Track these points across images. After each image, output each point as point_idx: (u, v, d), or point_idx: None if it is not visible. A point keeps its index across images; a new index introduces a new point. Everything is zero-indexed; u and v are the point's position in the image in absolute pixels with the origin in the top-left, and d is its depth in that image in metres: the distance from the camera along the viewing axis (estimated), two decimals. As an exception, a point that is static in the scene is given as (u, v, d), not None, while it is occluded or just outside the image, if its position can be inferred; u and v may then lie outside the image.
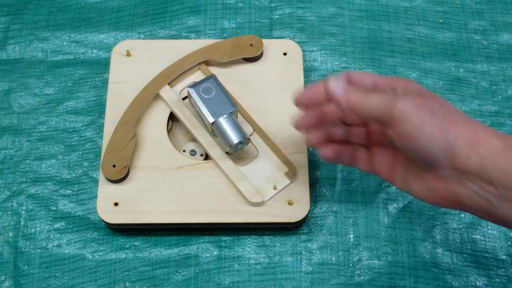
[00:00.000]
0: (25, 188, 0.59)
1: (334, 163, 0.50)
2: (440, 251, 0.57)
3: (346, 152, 0.49)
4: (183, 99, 0.60)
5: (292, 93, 0.51)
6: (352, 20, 0.68)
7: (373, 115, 0.42)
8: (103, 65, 0.65)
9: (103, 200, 0.55)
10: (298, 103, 0.49)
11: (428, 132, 0.40)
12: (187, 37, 0.66)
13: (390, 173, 0.47)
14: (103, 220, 0.55)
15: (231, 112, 0.55)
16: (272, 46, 0.62)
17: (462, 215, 0.59)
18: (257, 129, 0.58)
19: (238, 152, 0.57)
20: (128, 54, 0.61)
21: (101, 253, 0.57)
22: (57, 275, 0.56)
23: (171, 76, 0.59)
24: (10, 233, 0.57)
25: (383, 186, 0.60)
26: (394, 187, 0.60)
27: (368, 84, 0.46)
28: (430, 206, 0.59)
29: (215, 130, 0.56)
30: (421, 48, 0.66)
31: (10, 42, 0.66)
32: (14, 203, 0.59)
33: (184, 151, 0.59)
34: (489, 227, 0.58)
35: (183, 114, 0.58)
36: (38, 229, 0.58)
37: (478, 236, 0.58)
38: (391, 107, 0.41)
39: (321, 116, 0.49)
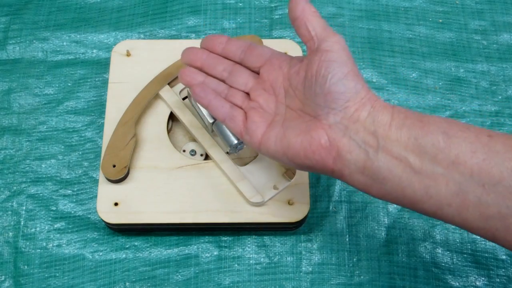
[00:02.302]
0: (25, 188, 0.59)
1: (206, 108, 0.51)
2: (440, 251, 0.57)
3: (221, 104, 0.50)
4: (183, 99, 0.60)
5: None
6: (352, 20, 0.68)
7: (316, 33, 0.45)
8: (103, 65, 0.65)
9: (103, 200, 0.55)
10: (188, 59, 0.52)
11: (345, 70, 0.43)
12: (187, 37, 0.66)
13: (263, 135, 0.47)
14: (103, 220, 0.55)
15: (231, 112, 0.55)
16: (272, 46, 0.62)
17: (462, 215, 0.59)
18: (257, 129, 0.58)
19: (238, 152, 0.57)
20: (128, 54, 0.61)
21: (101, 253, 0.57)
22: (57, 275, 0.56)
23: (171, 76, 0.59)
24: (10, 233, 0.57)
25: (383, 186, 0.60)
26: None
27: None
28: (430, 206, 0.59)
29: (215, 130, 0.56)
30: (421, 48, 0.66)
31: (10, 42, 0.66)
32: (14, 203, 0.59)
33: (184, 151, 0.59)
34: (489, 227, 0.58)
35: (183, 114, 0.58)
36: (38, 229, 0.58)
37: (478, 236, 0.58)
38: (331, 34, 0.45)
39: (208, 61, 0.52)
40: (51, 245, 0.57)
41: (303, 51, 0.65)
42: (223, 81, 0.51)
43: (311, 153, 0.44)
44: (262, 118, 0.48)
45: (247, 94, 0.50)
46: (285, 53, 0.61)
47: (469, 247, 0.57)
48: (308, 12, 0.46)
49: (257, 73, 0.50)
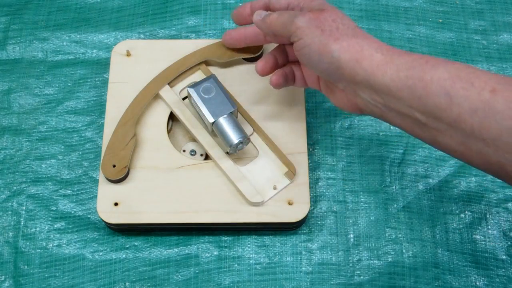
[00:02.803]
0: (25, 188, 0.59)
1: (283, 86, 0.54)
2: (440, 251, 0.57)
3: (289, 73, 0.53)
4: (183, 99, 0.60)
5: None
6: (352, 20, 0.68)
7: (283, 33, 0.48)
8: (103, 65, 0.65)
9: (103, 200, 0.55)
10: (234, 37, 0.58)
11: (316, 49, 0.46)
12: (187, 37, 0.66)
13: (318, 86, 0.53)
14: (103, 220, 0.55)
15: (231, 112, 0.55)
16: (272, 46, 0.62)
17: (462, 215, 0.59)
18: (257, 129, 0.58)
19: (238, 152, 0.57)
20: (128, 54, 0.61)
21: (101, 253, 0.57)
22: (57, 275, 0.56)
23: (171, 76, 0.59)
24: (10, 233, 0.57)
25: (383, 186, 0.60)
26: (394, 187, 0.60)
27: (283, 4, 0.51)
28: (430, 206, 0.59)
29: (215, 130, 0.56)
30: (421, 48, 0.66)
31: (10, 42, 0.66)
32: (14, 203, 0.59)
33: (184, 151, 0.59)
34: (489, 227, 0.58)
35: (183, 114, 0.58)
36: (38, 229, 0.58)
37: (478, 236, 0.58)
38: (291, 24, 0.47)
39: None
40: (51, 245, 0.57)
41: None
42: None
43: (344, 108, 0.50)
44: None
45: None
46: None
47: (469, 247, 0.57)
48: (269, 18, 0.49)
49: None
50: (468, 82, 0.40)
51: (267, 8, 0.53)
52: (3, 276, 0.56)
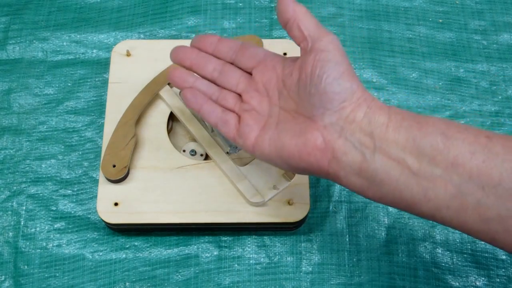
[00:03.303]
0: (25, 188, 0.59)
1: (197, 113, 0.50)
2: (440, 251, 0.57)
3: (213, 108, 0.49)
4: (183, 99, 0.60)
5: None
6: (352, 20, 0.68)
7: (308, 33, 0.44)
8: (103, 65, 0.65)
9: (103, 200, 0.55)
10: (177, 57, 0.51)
11: (341, 70, 0.42)
12: (187, 37, 0.66)
13: (257, 138, 0.46)
14: (103, 220, 0.55)
15: (231, 112, 0.55)
16: (272, 46, 0.62)
17: (462, 215, 0.59)
18: (257, 129, 0.58)
19: (238, 152, 0.57)
20: (128, 54, 0.61)
21: (101, 253, 0.57)
22: (57, 275, 0.56)
23: (171, 76, 0.59)
24: (10, 233, 0.57)
25: (383, 186, 0.60)
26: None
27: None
28: (430, 206, 0.59)
29: (215, 130, 0.56)
30: (421, 48, 0.66)
31: (10, 42, 0.66)
32: (14, 203, 0.59)
33: (184, 151, 0.59)
34: (489, 227, 0.58)
35: (183, 114, 0.58)
36: (38, 229, 0.58)
37: (478, 236, 0.58)
38: (325, 34, 0.43)
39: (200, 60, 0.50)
40: (51, 245, 0.57)
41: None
42: (213, 81, 0.50)
43: (306, 155, 0.43)
44: (256, 120, 0.47)
45: (239, 95, 0.49)
46: (285, 53, 0.61)
47: (469, 247, 0.57)
48: (299, 12, 0.44)
49: (250, 73, 0.49)
50: (462, 128, 0.40)
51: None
52: (3, 276, 0.56)
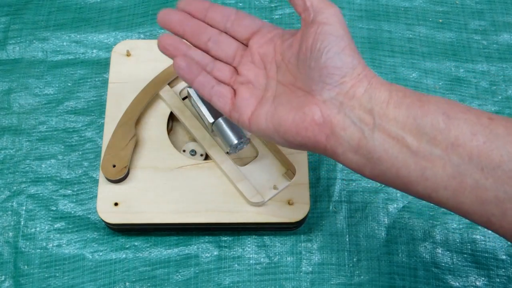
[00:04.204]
0: (25, 188, 0.59)
1: (190, 85, 0.47)
2: (440, 251, 0.57)
3: (207, 80, 0.46)
4: (183, 99, 0.60)
5: None
6: (352, 20, 0.68)
7: (312, 2, 0.42)
8: (103, 65, 0.65)
9: (103, 200, 0.55)
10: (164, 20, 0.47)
11: (343, 44, 0.41)
12: (187, 37, 0.66)
13: (253, 112, 0.45)
14: (103, 220, 0.55)
15: (231, 112, 0.55)
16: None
17: (462, 215, 0.59)
18: (257, 129, 0.58)
19: (238, 152, 0.57)
20: (128, 54, 0.61)
21: (101, 253, 0.57)
22: (57, 275, 0.56)
23: (171, 76, 0.59)
24: (10, 233, 0.57)
25: (383, 186, 0.60)
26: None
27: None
28: (431, 206, 0.59)
29: (215, 130, 0.56)
30: (421, 48, 0.66)
31: (10, 42, 0.66)
32: (14, 203, 0.59)
33: (184, 151, 0.59)
34: (489, 227, 0.58)
35: (183, 114, 0.58)
36: (38, 229, 0.58)
37: (478, 236, 0.58)
38: (329, 6, 0.42)
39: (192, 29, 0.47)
40: (51, 245, 0.57)
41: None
42: (207, 52, 0.47)
43: (304, 130, 0.42)
44: (252, 94, 0.45)
45: (234, 68, 0.47)
46: None
47: (469, 247, 0.57)
48: None
49: (245, 45, 0.47)
50: (465, 108, 0.39)
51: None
52: (3, 276, 0.56)
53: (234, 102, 0.45)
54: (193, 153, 0.59)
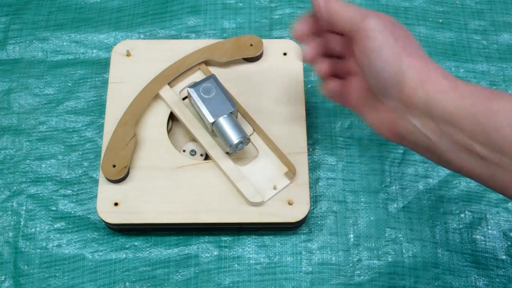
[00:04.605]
0: (25, 188, 0.59)
1: (327, 87, 0.51)
2: (440, 251, 0.57)
3: (336, 83, 0.50)
4: (183, 99, 0.60)
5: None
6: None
7: (346, 25, 0.44)
8: (103, 65, 0.65)
9: (103, 200, 0.55)
10: (297, 32, 0.50)
11: (385, 56, 0.42)
12: (187, 37, 0.66)
13: (358, 102, 0.48)
14: (103, 220, 0.55)
15: (231, 112, 0.55)
16: (272, 46, 0.62)
17: (462, 215, 0.59)
18: (257, 129, 0.58)
19: (238, 152, 0.57)
20: (128, 54, 0.61)
21: (101, 253, 0.57)
22: (57, 275, 0.56)
23: (171, 76, 0.59)
24: (10, 233, 0.57)
25: (383, 186, 0.60)
26: (394, 187, 0.59)
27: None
28: (430, 206, 0.59)
29: (215, 130, 0.56)
30: (421, 48, 0.66)
31: (10, 42, 0.66)
32: (14, 203, 0.59)
33: (184, 151, 0.59)
34: (489, 227, 0.58)
35: (183, 114, 0.58)
36: (38, 229, 0.58)
37: (478, 236, 0.58)
38: (361, 21, 0.43)
39: (317, 29, 0.49)
40: (51, 245, 0.57)
41: (303, 51, 0.65)
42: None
43: (380, 131, 0.45)
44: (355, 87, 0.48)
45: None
46: (285, 54, 0.61)
47: (469, 247, 0.57)
48: (333, 5, 0.44)
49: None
50: None
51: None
52: (3, 276, 0.56)
53: (346, 94, 0.49)
54: (193, 153, 0.59)
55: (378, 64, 0.42)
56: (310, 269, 0.56)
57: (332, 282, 0.56)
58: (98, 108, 0.63)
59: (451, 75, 0.42)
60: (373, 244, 0.57)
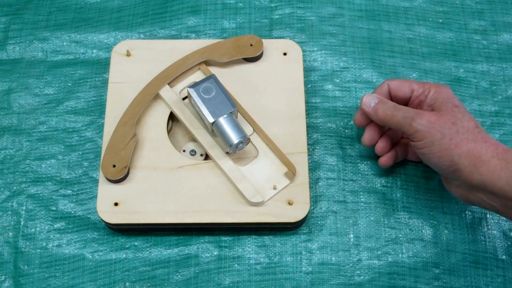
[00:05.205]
0: (25, 188, 0.59)
1: (381, 160, 0.57)
2: (440, 251, 0.57)
3: (400, 152, 0.57)
4: (183, 99, 0.60)
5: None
6: (352, 20, 0.68)
7: (397, 128, 0.52)
8: (103, 65, 0.65)
9: (103, 200, 0.55)
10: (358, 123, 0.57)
11: (436, 152, 0.49)
12: (187, 37, 0.66)
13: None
14: (103, 220, 0.55)
15: (231, 112, 0.55)
16: (272, 46, 0.62)
17: (462, 215, 0.59)
18: (257, 129, 0.58)
19: (238, 152, 0.57)
20: (128, 54, 0.61)
21: (101, 253, 0.57)
22: (57, 275, 0.56)
23: (171, 76, 0.59)
24: (10, 233, 0.57)
25: (382, 186, 0.60)
26: (394, 187, 0.60)
27: (406, 92, 0.54)
28: (430, 206, 0.59)
29: (215, 130, 0.56)
30: (421, 48, 0.66)
31: (10, 42, 0.66)
32: (14, 203, 0.59)
33: (184, 151, 0.59)
34: (489, 227, 0.58)
35: (183, 114, 0.58)
36: (38, 229, 0.58)
37: (478, 236, 0.58)
38: (409, 125, 0.50)
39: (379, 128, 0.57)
40: (51, 245, 0.57)
41: (303, 51, 0.65)
42: None
43: (462, 200, 0.53)
44: None
45: None
46: (285, 54, 0.61)
47: (469, 247, 0.57)
48: (381, 114, 0.52)
49: None
50: None
51: (388, 94, 0.56)
52: (3, 276, 0.56)
53: None
54: (193, 153, 0.59)
55: (432, 159, 0.49)
56: (310, 269, 0.56)
57: (332, 282, 0.56)
58: (98, 108, 0.63)
59: (502, 148, 0.48)
60: (373, 244, 0.57)
